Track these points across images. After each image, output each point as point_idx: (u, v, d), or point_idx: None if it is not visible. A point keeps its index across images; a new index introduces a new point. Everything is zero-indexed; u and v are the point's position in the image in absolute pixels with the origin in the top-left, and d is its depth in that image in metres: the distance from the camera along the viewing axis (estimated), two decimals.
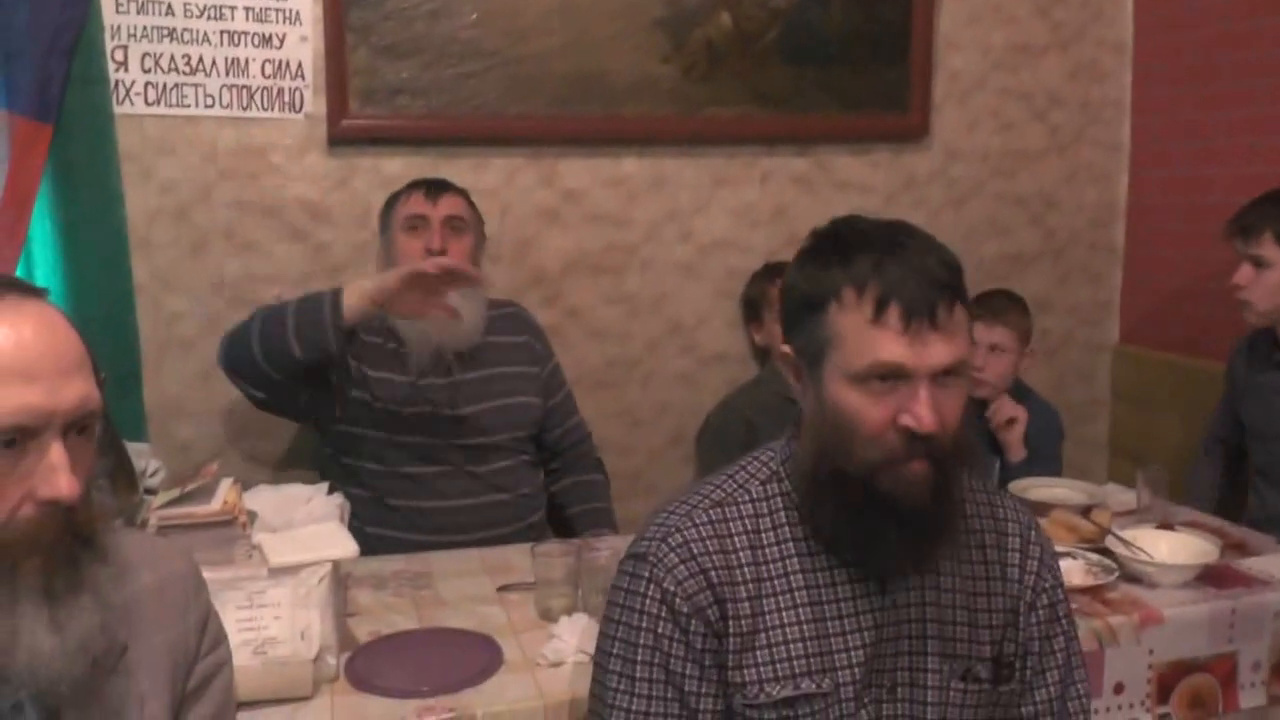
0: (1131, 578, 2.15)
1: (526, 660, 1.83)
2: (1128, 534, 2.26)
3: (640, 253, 3.23)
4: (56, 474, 1.12)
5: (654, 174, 3.21)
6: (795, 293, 1.41)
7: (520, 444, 2.72)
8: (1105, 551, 2.23)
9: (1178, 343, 3.47)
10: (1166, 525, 2.39)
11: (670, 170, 3.22)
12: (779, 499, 1.44)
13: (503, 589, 2.16)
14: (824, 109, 3.27)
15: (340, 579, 1.97)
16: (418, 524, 2.57)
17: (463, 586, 2.19)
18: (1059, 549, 2.19)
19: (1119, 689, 1.99)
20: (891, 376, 1.30)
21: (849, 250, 1.35)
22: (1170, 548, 2.23)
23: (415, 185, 2.70)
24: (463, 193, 2.72)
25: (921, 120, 3.37)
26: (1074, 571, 2.16)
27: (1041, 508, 2.49)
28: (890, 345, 1.30)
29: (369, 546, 2.32)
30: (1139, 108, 3.61)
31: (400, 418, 2.57)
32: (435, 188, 2.67)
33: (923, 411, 1.29)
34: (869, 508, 1.33)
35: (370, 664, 1.81)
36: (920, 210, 3.43)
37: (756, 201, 3.28)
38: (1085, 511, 2.46)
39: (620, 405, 3.28)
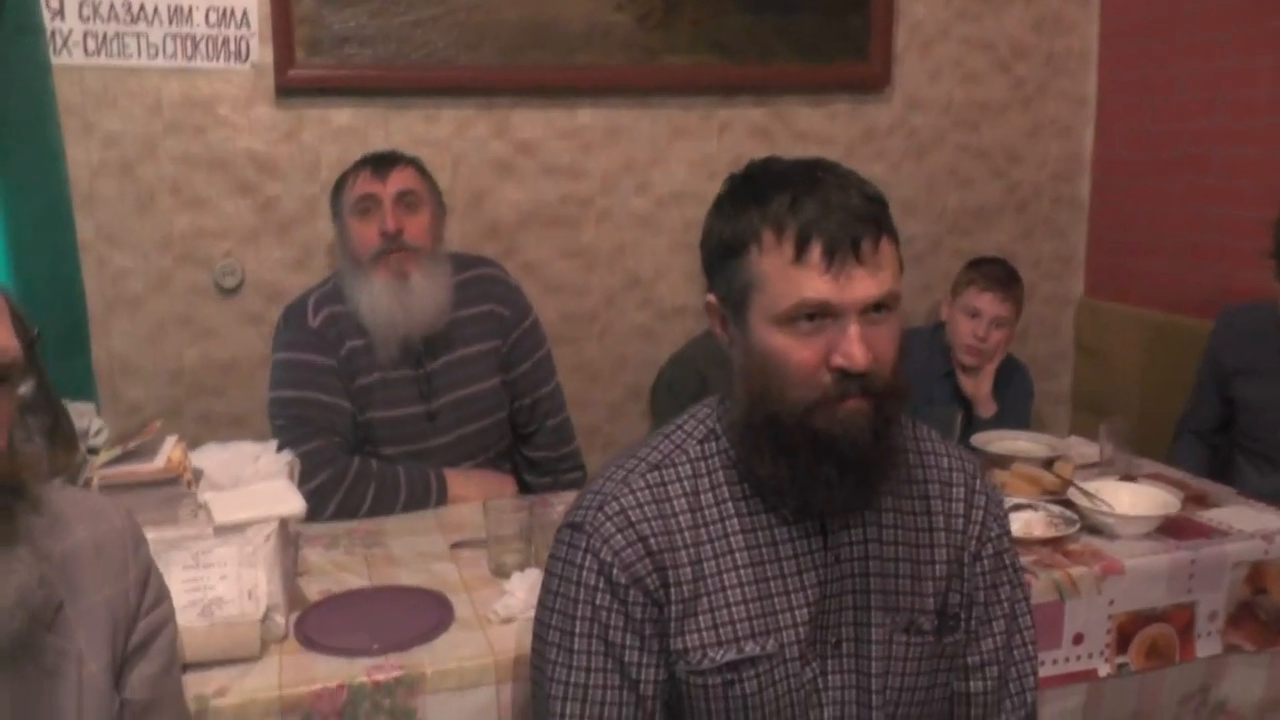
0: (1093, 529, 2.14)
1: (478, 617, 1.80)
2: (1089, 486, 2.25)
3: (596, 205, 3.19)
4: None
5: (609, 125, 3.16)
6: (714, 239, 1.37)
7: (495, 434, 2.63)
8: (1067, 503, 2.21)
9: (1141, 296, 3.46)
10: (1128, 477, 2.39)
11: (626, 121, 3.18)
12: (717, 458, 1.41)
13: (456, 546, 2.12)
14: (783, 59, 3.22)
15: (290, 538, 1.93)
16: None
17: (415, 544, 2.15)
18: (1020, 501, 2.20)
19: (1078, 639, 1.98)
20: (818, 315, 1.27)
21: (765, 191, 1.31)
22: (1131, 499, 2.22)
23: (362, 163, 2.54)
24: (414, 162, 2.57)
25: (882, 70, 3.33)
26: (1035, 523, 2.15)
27: (1004, 460, 2.49)
28: (814, 283, 1.26)
29: None
30: (1105, 60, 3.59)
31: (374, 423, 2.48)
32: (383, 163, 2.51)
33: (853, 349, 1.25)
34: (807, 449, 1.29)
35: (320, 623, 1.78)
36: (881, 162, 3.40)
37: (714, 153, 3.24)
38: (1047, 464, 2.45)
39: (578, 359, 3.25)
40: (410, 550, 2.12)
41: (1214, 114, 3.18)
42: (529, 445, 2.72)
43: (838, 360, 1.26)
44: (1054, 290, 3.71)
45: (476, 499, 2.32)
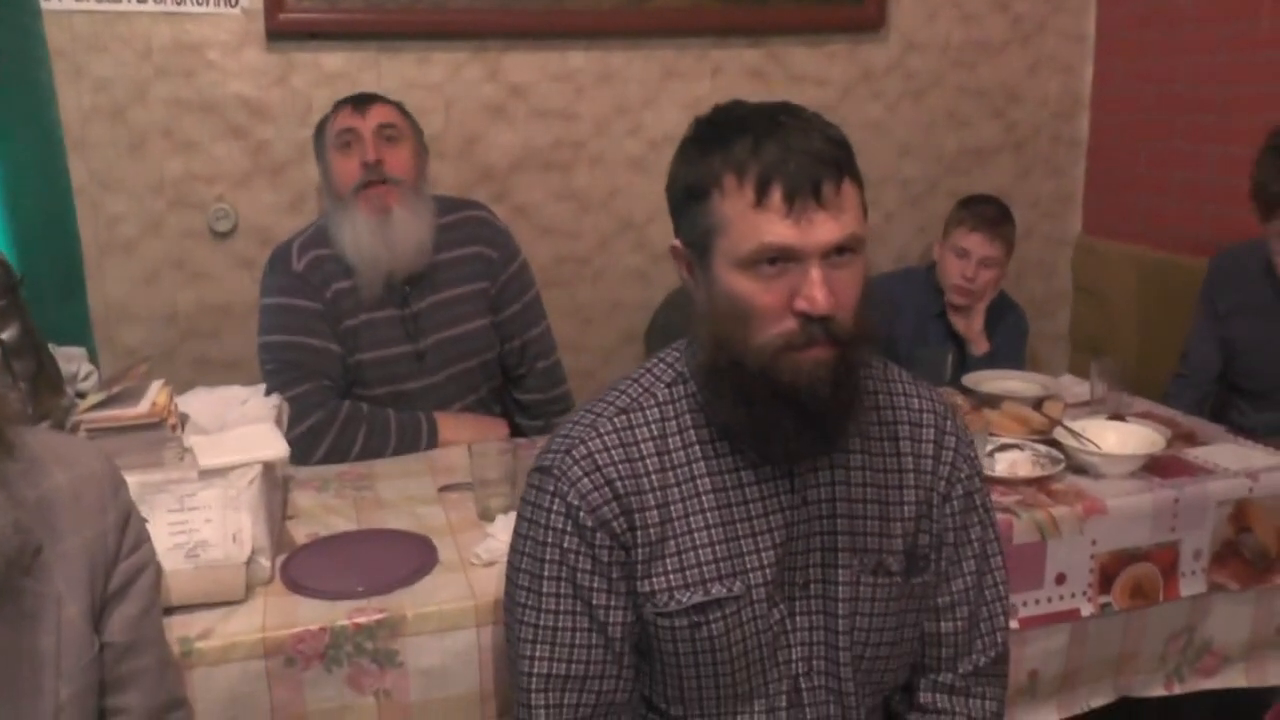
0: (1078, 469, 2.14)
1: (461, 560, 1.81)
2: (1077, 425, 2.24)
3: (589, 148, 3.18)
4: None
5: (602, 67, 3.14)
6: (678, 184, 1.38)
7: (482, 375, 2.63)
8: (1054, 443, 2.21)
9: (1140, 235, 3.45)
10: (1118, 416, 2.38)
11: (618, 64, 3.15)
12: (684, 401, 1.41)
13: (444, 489, 2.13)
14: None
15: (277, 481, 1.94)
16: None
17: (405, 487, 2.16)
18: (1007, 440, 2.20)
19: (1060, 579, 1.98)
20: (780, 259, 1.27)
21: (728, 135, 1.31)
22: (1118, 438, 2.22)
23: (343, 101, 2.55)
24: (395, 104, 2.56)
25: (878, 10, 3.30)
26: (1020, 463, 2.15)
27: (995, 400, 2.49)
28: (775, 227, 1.26)
29: None
30: None
31: (363, 364, 2.49)
32: (362, 100, 2.52)
33: (815, 292, 1.25)
34: (767, 397, 1.30)
35: (305, 566, 1.79)
36: (878, 103, 3.38)
37: (708, 95, 3.21)
38: (1039, 404, 2.44)
39: (571, 303, 3.26)
40: (399, 493, 2.13)
41: (1215, 50, 3.14)
42: (520, 388, 2.71)
43: (800, 304, 1.26)
44: (1052, 229, 3.69)
45: (467, 442, 2.31)
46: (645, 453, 1.38)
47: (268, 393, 2.20)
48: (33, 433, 1.38)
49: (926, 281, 3.11)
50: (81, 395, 2.08)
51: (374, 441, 2.36)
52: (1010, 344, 3.10)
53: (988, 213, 3.02)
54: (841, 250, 1.28)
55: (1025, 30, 3.50)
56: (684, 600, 1.36)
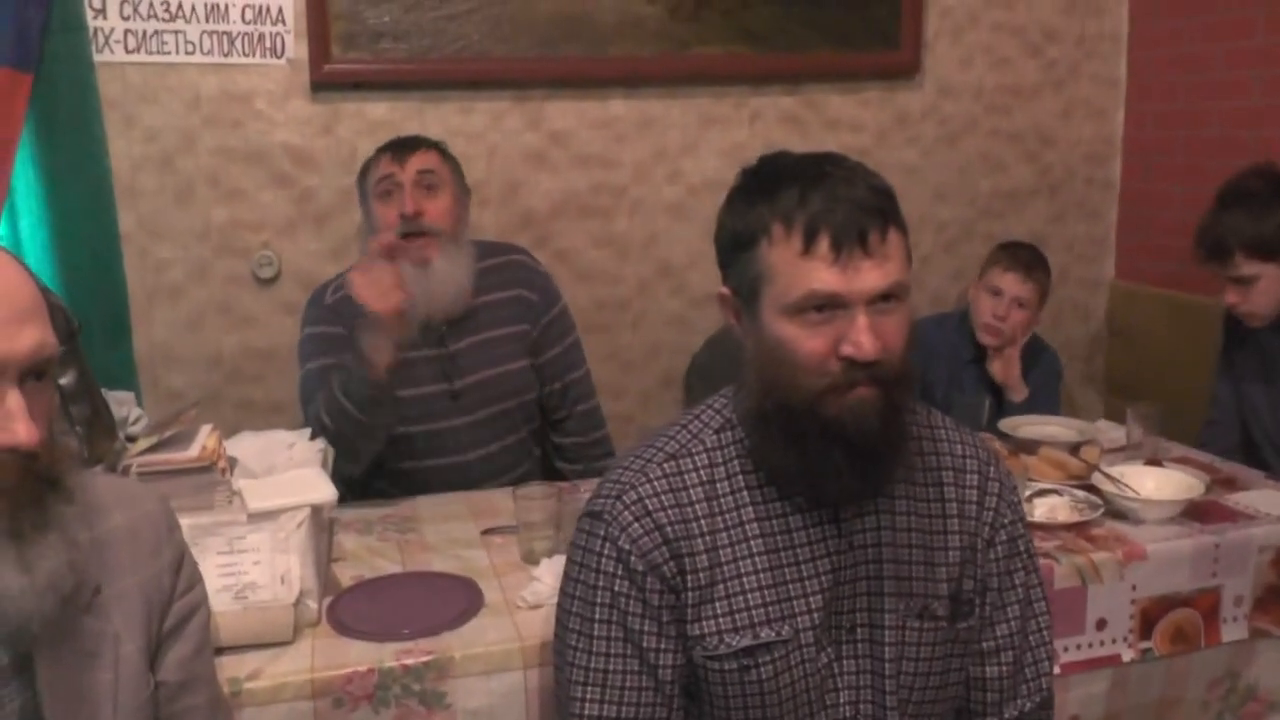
0: (1117, 514, 2.14)
1: (507, 603, 1.83)
2: (1115, 470, 2.24)
3: (629, 194, 3.22)
4: (14, 421, 1.11)
5: (641, 115, 3.18)
6: (726, 233, 1.40)
7: (521, 416, 2.64)
8: (1092, 488, 2.22)
9: (1175, 278, 3.44)
10: (1155, 461, 2.39)
11: (658, 111, 3.19)
12: (732, 447, 1.44)
13: (487, 532, 2.16)
14: (813, 47, 3.23)
15: (324, 524, 1.97)
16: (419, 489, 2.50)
17: (448, 530, 2.19)
18: (1045, 486, 2.20)
19: (1101, 624, 1.99)
20: (827, 306, 1.29)
21: (775, 185, 1.34)
22: (1157, 484, 2.22)
23: (385, 148, 2.58)
24: (436, 146, 2.58)
25: (913, 57, 3.33)
26: (1059, 508, 2.16)
27: (1032, 445, 2.49)
28: (822, 274, 1.28)
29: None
30: (1136, 41, 3.56)
31: (399, 402, 2.47)
32: (402, 147, 2.55)
33: (862, 338, 1.28)
34: (816, 437, 1.32)
35: (352, 608, 1.81)
36: (913, 148, 3.41)
37: (746, 141, 3.25)
38: (1075, 449, 2.45)
39: (611, 347, 3.28)
40: (443, 536, 2.15)
41: (1247, 94, 3.16)
42: (559, 431, 2.73)
43: (847, 350, 1.29)
44: (1086, 273, 3.69)
45: (386, 349, 2.24)
46: (694, 498, 1.40)
47: (307, 422, 2.23)
48: (91, 476, 1.41)
49: (960, 327, 3.12)
50: (131, 439, 2.12)
51: (333, 398, 2.30)
52: (1045, 387, 3.09)
53: (1024, 255, 3.05)
54: (887, 297, 1.30)
55: (1058, 75, 3.53)
56: (733, 643, 1.38)
